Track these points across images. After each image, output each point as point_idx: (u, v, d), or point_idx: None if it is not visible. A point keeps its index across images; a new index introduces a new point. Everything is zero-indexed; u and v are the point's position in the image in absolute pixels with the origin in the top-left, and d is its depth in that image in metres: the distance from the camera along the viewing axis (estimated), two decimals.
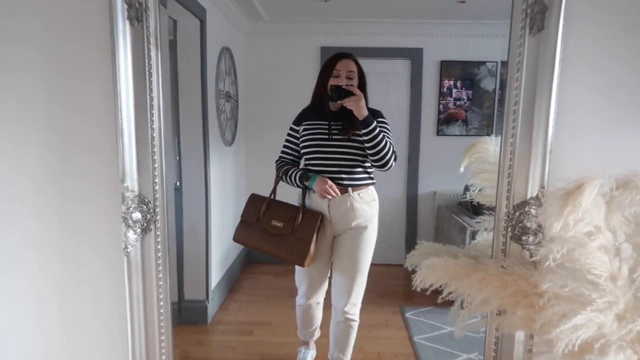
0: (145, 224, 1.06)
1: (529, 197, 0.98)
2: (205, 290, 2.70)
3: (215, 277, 2.91)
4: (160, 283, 1.07)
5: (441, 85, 3.20)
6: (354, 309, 1.99)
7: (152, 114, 1.02)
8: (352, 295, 1.97)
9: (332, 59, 1.88)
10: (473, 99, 3.15)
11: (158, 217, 1.06)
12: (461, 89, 3.17)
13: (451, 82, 3.20)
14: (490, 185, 1.17)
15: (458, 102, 3.22)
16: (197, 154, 2.54)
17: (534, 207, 0.97)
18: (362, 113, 1.74)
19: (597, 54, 1.02)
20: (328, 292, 2.14)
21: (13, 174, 1.15)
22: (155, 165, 1.04)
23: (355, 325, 2.04)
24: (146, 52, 1.00)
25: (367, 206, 1.92)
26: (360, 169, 1.88)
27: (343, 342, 2.07)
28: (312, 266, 1.92)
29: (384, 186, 3.02)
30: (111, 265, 1.12)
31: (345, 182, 1.86)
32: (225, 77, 2.98)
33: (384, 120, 1.89)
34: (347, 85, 1.77)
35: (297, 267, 2.05)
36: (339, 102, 1.75)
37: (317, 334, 2.30)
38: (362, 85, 1.86)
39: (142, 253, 1.06)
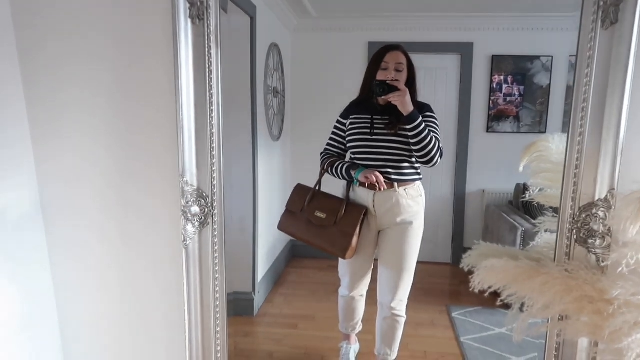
0: (203, 218, 1.08)
1: (596, 198, 0.93)
2: (252, 283, 2.75)
3: (261, 271, 2.95)
4: (217, 275, 1.10)
5: (491, 81, 3.11)
6: (400, 305, 1.99)
7: (211, 111, 1.04)
8: (399, 292, 1.96)
9: (380, 52, 1.85)
10: (525, 94, 3.05)
11: (215, 212, 1.08)
12: (512, 84, 3.08)
13: (502, 78, 3.11)
14: (552, 186, 1.13)
15: (509, 98, 3.12)
16: (245, 149, 2.58)
17: (602, 209, 0.92)
18: (407, 109, 1.72)
19: None
20: (372, 287, 2.13)
21: (81, 167, 1.21)
22: (214, 161, 1.06)
23: (402, 321, 2.03)
24: (207, 49, 1.02)
25: (413, 202, 1.90)
26: (407, 164, 1.86)
27: (389, 338, 2.07)
28: (355, 259, 1.93)
29: (431, 183, 2.98)
30: (171, 256, 1.16)
31: (392, 177, 1.85)
32: (274, 73, 3.01)
33: (432, 115, 1.86)
34: (392, 79, 1.74)
35: (340, 259, 2.05)
36: (383, 97, 1.73)
37: (359, 327, 2.29)
38: (412, 78, 1.84)
39: (200, 246, 1.09)
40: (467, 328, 2.71)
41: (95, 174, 1.20)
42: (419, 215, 1.94)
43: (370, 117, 1.86)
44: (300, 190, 2.01)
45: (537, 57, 2.95)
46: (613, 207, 0.91)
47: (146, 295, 1.23)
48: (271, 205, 3.00)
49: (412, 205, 1.90)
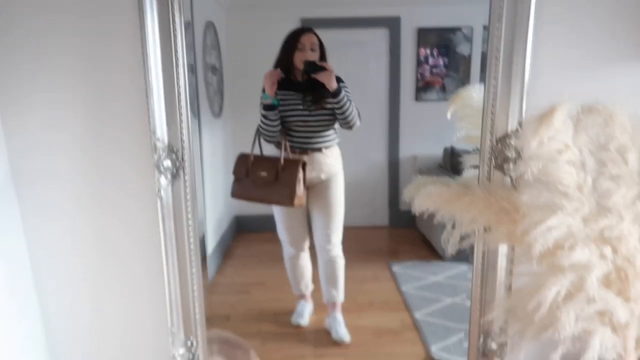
0: (175, 171, 1.19)
1: (509, 130, 1.15)
2: (204, 257, 2.82)
3: (210, 244, 3.04)
4: (190, 222, 1.22)
5: (418, 54, 3.32)
6: (337, 248, 2.33)
7: (178, 72, 1.15)
8: (333, 236, 2.31)
9: (295, 34, 2.12)
10: (449, 65, 3.28)
11: (186, 165, 1.20)
12: (437, 56, 3.30)
13: (427, 51, 3.32)
14: (474, 128, 1.33)
15: (435, 70, 3.35)
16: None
17: (513, 138, 1.14)
18: (333, 86, 2.02)
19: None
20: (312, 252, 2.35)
21: (51, 132, 1.28)
22: (182, 118, 1.17)
23: (342, 261, 2.37)
24: (171, 17, 1.13)
25: (336, 160, 2.26)
26: (331, 130, 2.19)
27: (333, 280, 2.38)
28: (288, 216, 2.29)
29: (365, 152, 3.16)
30: (145, 208, 1.27)
31: (321, 144, 2.18)
32: (211, 51, 3.06)
33: (345, 85, 2.15)
34: (319, 61, 2.04)
35: (277, 222, 2.38)
36: (313, 76, 1.98)
37: (311, 286, 2.50)
38: (323, 57, 2.12)
39: (173, 196, 1.20)
40: (406, 279, 2.97)
41: (67, 139, 1.27)
42: (340, 170, 2.29)
43: (296, 93, 2.13)
44: (242, 158, 2.26)
45: (459, 29, 3.20)
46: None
47: (123, 246, 1.33)
48: (216, 181, 3.08)
49: (335, 164, 2.25)
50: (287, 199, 2.10)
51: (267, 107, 2.11)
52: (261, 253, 3.44)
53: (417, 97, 3.35)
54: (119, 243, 1.34)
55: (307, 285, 2.50)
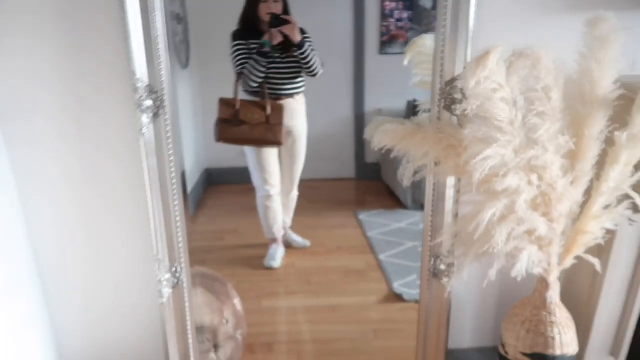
0: (155, 110, 1.30)
1: (456, 74, 1.30)
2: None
3: None
4: (171, 158, 1.34)
5: (383, 7, 3.38)
6: (296, 188, 2.69)
7: (154, 16, 1.24)
8: (296, 180, 2.64)
9: None
10: (414, 18, 3.37)
11: (166, 104, 1.30)
12: (402, 9, 3.38)
13: (393, 4, 3.39)
14: (428, 74, 1.47)
15: (399, 23, 3.43)
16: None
17: (459, 81, 1.29)
18: (296, 39, 2.20)
19: None
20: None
21: (30, 78, 1.37)
22: (161, 60, 1.27)
23: (296, 196, 2.72)
24: None
25: (303, 107, 2.48)
26: (300, 78, 2.40)
27: (290, 211, 2.73)
28: (266, 157, 2.51)
29: (331, 106, 3.26)
30: (130, 143, 1.39)
31: (292, 91, 2.39)
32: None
33: (308, 35, 2.33)
34: (283, 13, 2.18)
35: (254, 166, 2.58)
36: (277, 29, 2.12)
37: (282, 230, 2.67)
38: (287, 8, 2.26)
39: (155, 134, 1.31)
40: (372, 226, 3.16)
41: (51, 79, 1.36)
42: (305, 120, 2.52)
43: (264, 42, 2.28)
44: (224, 102, 2.36)
45: None
46: None
47: (109, 181, 1.46)
48: (185, 133, 3.15)
49: (302, 110, 2.47)
50: (280, 137, 2.32)
51: (262, 54, 2.24)
52: (232, 204, 3.57)
53: (381, 51, 3.45)
54: (105, 178, 1.47)
55: (279, 229, 2.67)
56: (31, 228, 1.51)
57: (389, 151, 3.24)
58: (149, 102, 1.29)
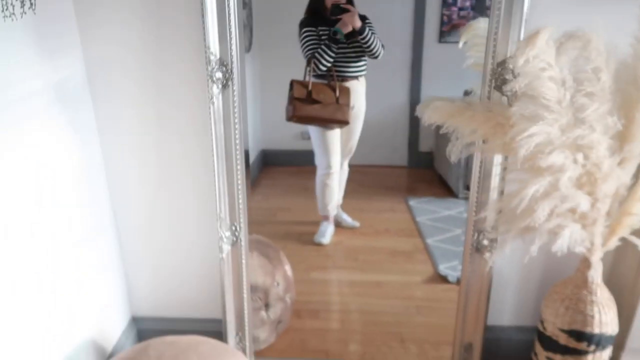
0: (225, 82, 1.44)
1: (508, 55, 1.35)
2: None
3: None
4: (237, 127, 1.47)
5: None
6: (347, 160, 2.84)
7: None
8: (351, 152, 2.81)
9: None
10: (476, 6, 3.33)
11: (234, 76, 1.44)
12: None
13: None
14: (481, 56, 1.53)
15: (462, 12, 3.40)
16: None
17: (511, 62, 1.34)
18: (357, 25, 2.39)
19: None
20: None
21: (115, 51, 1.56)
22: (232, 35, 1.41)
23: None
24: None
25: (363, 88, 2.65)
26: (363, 61, 2.58)
27: (342, 186, 2.88)
28: (327, 135, 2.66)
29: (388, 93, 3.30)
30: (200, 113, 1.54)
31: (357, 73, 2.57)
32: None
33: (369, 21, 2.50)
34: (344, 3, 2.36)
35: (318, 144, 2.73)
36: (338, 17, 2.34)
37: (335, 209, 2.78)
38: None
39: (223, 104, 1.46)
40: (421, 212, 3.20)
41: (130, 55, 1.56)
42: (364, 99, 2.69)
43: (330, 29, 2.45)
44: (297, 83, 2.51)
45: None
46: None
47: (181, 143, 1.64)
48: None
49: (363, 91, 2.64)
50: (348, 117, 2.52)
51: (333, 40, 2.43)
52: (286, 184, 3.71)
53: (441, 39, 3.44)
54: (179, 139, 1.65)
55: (334, 208, 2.81)
56: (111, 185, 1.71)
57: (443, 140, 3.34)
58: (219, 74, 1.43)
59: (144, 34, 1.53)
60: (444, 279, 2.43)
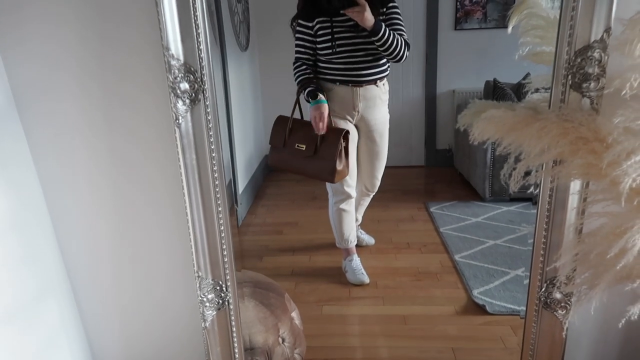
0: (193, 95, 1.03)
1: (592, 40, 0.94)
2: (233, 195, 2.76)
3: (241, 184, 2.97)
4: (214, 154, 1.07)
5: None
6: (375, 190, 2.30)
7: None
8: (377, 181, 2.23)
9: None
10: None
11: (206, 87, 1.04)
12: None
13: None
14: (542, 42, 1.12)
15: None
16: (213, 59, 2.49)
17: (597, 50, 0.93)
18: (368, 24, 1.73)
19: None
20: None
21: (52, 58, 1.14)
22: (199, 31, 1.00)
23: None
24: None
25: (386, 95, 2.04)
26: (384, 60, 1.94)
27: (363, 208, 2.39)
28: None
29: (402, 88, 2.96)
30: (163, 139, 1.13)
31: (375, 76, 1.95)
32: None
33: (395, 5, 1.88)
34: None
35: None
36: (342, 11, 1.70)
37: (356, 239, 2.36)
38: None
39: (193, 124, 1.05)
40: (445, 220, 2.85)
41: (71, 63, 1.13)
42: (386, 110, 2.11)
43: (336, 19, 1.84)
44: (279, 123, 2.00)
45: None
46: (608, 47, 0.92)
47: (141, 183, 1.21)
48: (244, 119, 2.94)
49: (386, 99, 2.04)
50: (328, 175, 1.90)
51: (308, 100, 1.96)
52: (293, 193, 3.37)
53: (457, 26, 3.06)
54: (137, 178, 1.22)
55: (355, 238, 2.36)
56: (60, 240, 1.31)
57: (463, 136, 2.83)
58: (185, 85, 1.03)
59: (84, 31, 1.12)
60: (481, 309, 2.04)
